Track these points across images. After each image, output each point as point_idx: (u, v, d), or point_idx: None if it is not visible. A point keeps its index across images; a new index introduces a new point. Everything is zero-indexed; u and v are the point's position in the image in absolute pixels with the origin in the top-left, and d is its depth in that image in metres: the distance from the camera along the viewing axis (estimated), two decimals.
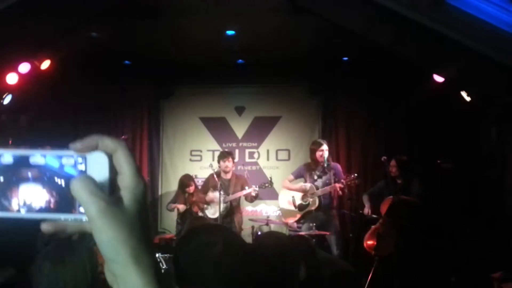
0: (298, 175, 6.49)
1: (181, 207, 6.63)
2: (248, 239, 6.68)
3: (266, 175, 7.42)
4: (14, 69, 5.63)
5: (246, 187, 6.21)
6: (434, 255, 5.39)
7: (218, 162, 6.41)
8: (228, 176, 6.39)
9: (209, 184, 6.46)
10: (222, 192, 6.10)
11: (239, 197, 6.35)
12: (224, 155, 6.41)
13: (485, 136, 5.80)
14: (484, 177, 5.63)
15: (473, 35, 3.98)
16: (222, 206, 6.11)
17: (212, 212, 6.34)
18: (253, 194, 6.16)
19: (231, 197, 6.23)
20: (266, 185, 6.27)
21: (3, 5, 4.20)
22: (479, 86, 4.81)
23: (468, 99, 5.65)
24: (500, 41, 3.93)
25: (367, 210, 6.15)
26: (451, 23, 3.95)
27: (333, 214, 6.22)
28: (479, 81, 4.68)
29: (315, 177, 6.19)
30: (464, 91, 5.62)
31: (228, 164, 6.32)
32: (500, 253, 4.81)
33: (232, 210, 6.33)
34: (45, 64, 5.94)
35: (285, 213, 6.46)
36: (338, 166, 6.40)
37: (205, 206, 6.40)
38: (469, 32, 3.97)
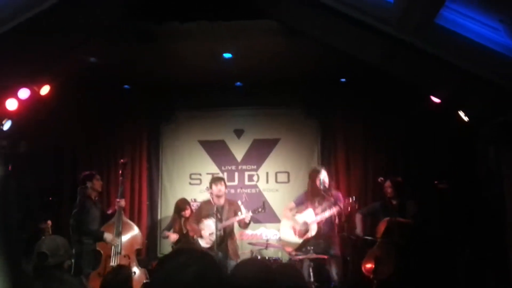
0: (299, 202, 6.45)
1: (174, 236, 6.62)
2: None
3: (266, 198, 7.41)
4: (14, 95, 5.69)
5: (239, 213, 6.13)
6: (434, 277, 5.31)
7: (211, 187, 6.29)
8: (221, 201, 6.28)
9: (202, 213, 6.36)
10: (216, 220, 6.01)
11: (233, 224, 6.24)
12: (217, 179, 6.37)
13: (483, 155, 5.77)
14: (482, 197, 5.57)
15: (462, 54, 4.00)
16: (216, 234, 6.00)
17: (206, 242, 6.22)
18: (247, 220, 6.09)
19: (224, 224, 6.13)
20: (260, 210, 6.16)
21: (1, 30, 4.29)
22: (472, 106, 4.81)
23: (466, 119, 5.65)
24: (489, 60, 3.95)
25: (359, 231, 6.13)
26: (440, 43, 3.98)
27: (334, 241, 6.15)
28: (472, 101, 4.68)
29: (316, 204, 6.15)
30: (460, 111, 5.62)
31: (221, 188, 6.26)
32: (499, 273, 4.74)
33: (225, 236, 6.20)
34: (45, 90, 6.01)
35: (287, 241, 6.39)
36: (339, 194, 6.34)
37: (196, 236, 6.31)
38: (459, 52, 4.00)
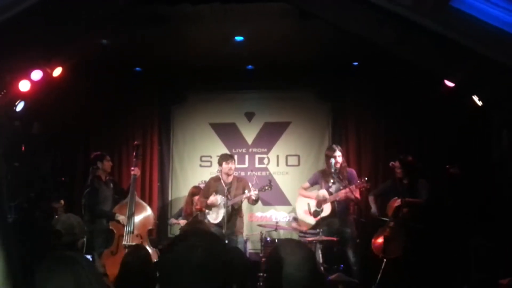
0: (313, 182, 6.50)
1: (182, 222, 6.68)
2: (257, 244, 6.70)
3: (276, 181, 7.44)
4: (27, 76, 5.73)
5: (246, 191, 6.17)
6: (443, 260, 5.32)
7: (220, 164, 6.34)
8: (230, 179, 6.33)
9: (210, 189, 6.41)
10: (224, 196, 6.08)
11: (241, 201, 6.28)
12: (227, 157, 6.39)
13: (497, 140, 5.72)
14: (495, 181, 5.54)
15: (477, 38, 3.93)
16: (225, 210, 6.07)
17: (214, 217, 6.27)
18: (254, 197, 6.12)
19: (233, 200, 6.18)
20: (266, 188, 6.23)
21: (14, 12, 4.29)
22: (487, 90, 4.74)
23: (479, 103, 5.58)
24: (504, 43, 3.88)
25: (374, 210, 6.16)
26: (455, 26, 3.91)
27: (349, 220, 6.19)
28: (486, 85, 4.61)
29: (330, 183, 6.17)
30: (474, 95, 5.54)
31: (232, 166, 6.31)
32: (510, 259, 4.73)
33: (234, 213, 6.25)
34: (57, 71, 6.05)
35: (302, 220, 6.47)
36: (353, 172, 6.38)
37: (207, 211, 6.37)
38: (474, 35, 3.93)
